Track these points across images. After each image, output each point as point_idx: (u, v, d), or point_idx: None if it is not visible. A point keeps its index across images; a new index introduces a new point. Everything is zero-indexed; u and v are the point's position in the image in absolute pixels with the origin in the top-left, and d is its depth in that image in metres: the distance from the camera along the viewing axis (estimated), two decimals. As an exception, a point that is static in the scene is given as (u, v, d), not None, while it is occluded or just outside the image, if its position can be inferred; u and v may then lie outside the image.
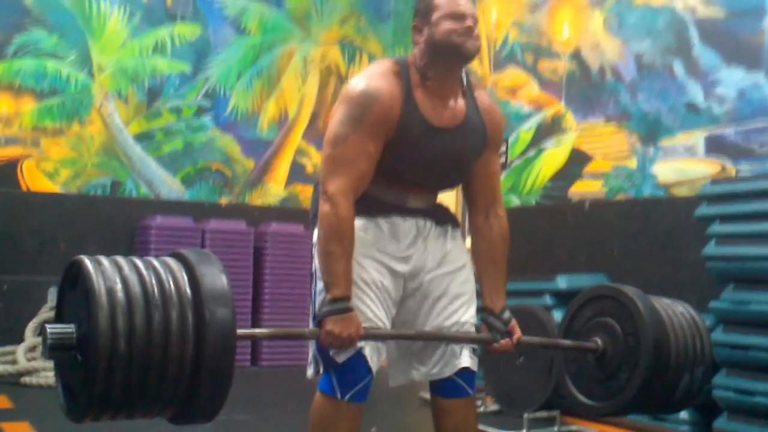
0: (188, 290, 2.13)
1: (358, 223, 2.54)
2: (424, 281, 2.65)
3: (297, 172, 7.22)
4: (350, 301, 2.44)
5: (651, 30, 5.30)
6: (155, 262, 2.18)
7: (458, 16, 2.51)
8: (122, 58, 6.66)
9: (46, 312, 5.78)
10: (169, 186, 6.80)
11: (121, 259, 2.15)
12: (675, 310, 3.03)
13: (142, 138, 6.72)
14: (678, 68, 5.13)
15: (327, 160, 2.50)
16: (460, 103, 2.62)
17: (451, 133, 2.58)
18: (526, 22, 6.23)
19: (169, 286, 2.11)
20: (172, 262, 2.20)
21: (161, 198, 6.73)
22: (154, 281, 2.10)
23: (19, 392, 4.97)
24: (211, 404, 2.16)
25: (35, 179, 6.29)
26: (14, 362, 5.41)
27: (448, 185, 2.73)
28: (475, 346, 2.67)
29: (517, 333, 2.71)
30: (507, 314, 2.70)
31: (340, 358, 2.49)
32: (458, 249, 2.72)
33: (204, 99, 6.97)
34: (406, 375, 2.69)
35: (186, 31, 6.92)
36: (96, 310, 2.00)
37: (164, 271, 2.15)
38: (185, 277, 2.15)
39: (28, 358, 5.45)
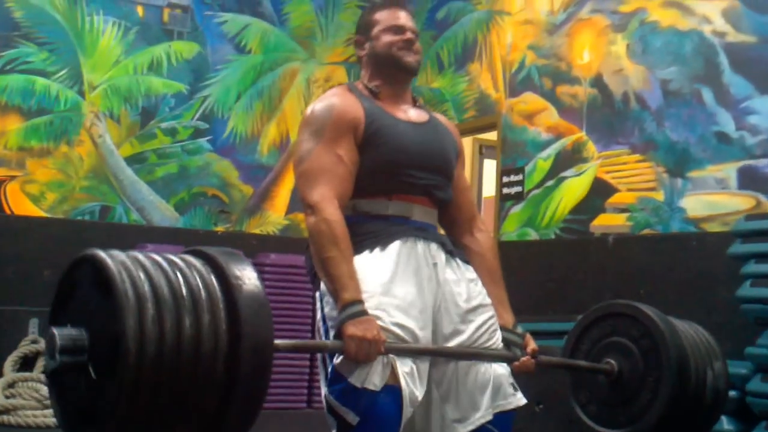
0: (219, 292, 2.00)
1: (366, 259, 2.50)
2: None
3: (298, 200, 6.93)
4: (363, 304, 2.40)
5: (678, 55, 5.24)
6: (178, 260, 2.05)
7: (398, 29, 2.68)
8: (115, 76, 6.57)
9: (27, 345, 5.66)
10: (162, 212, 6.67)
11: (140, 255, 2.01)
12: (679, 322, 3.05)
13: (135, 161, 6.60)
14: (707, 96, 5.06)
15: (300, 177, 2.57)
16: (418, 110, 2.76)
17: (422, 127, 2.70)
18: (543, 45, 6.14)
19: (198, 286, 1.98)
20: (196, 261, 2.07)
21: (153, 225, 6.61)
22: (181, 281, 1.97)
23: (-5, 432, 4.84)
24: (239, 428, 2.04)
25: (19, 202, 6.17)
26: (-8, 399, 5.28)
27: (442, 185, 2.70)
28: (514, 382, 2.61)
29: (532, 345, 2.70)
30: (520, 328, 2.71)
31: (376, 381, 2.37)
32: (478, 285, 2.66)
33: (201, 120, 6.85)
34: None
35: (183, 48, 6.84)
36: (121, 311, 1.86)
37: (190, 271, 2.02)
38: (213, 278, 2.02)
39: (7, 395, 5.28)
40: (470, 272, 2.67)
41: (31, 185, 6.23)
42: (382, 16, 2.72)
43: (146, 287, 1.91)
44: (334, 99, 2.63)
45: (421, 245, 2.56)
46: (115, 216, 6.49)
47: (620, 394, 2.90)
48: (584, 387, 3.03)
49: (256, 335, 1.99)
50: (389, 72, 2.69)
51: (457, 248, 2.70)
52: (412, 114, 2.72)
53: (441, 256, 2.60)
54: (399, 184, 2.60)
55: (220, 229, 6.85)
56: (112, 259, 1.95)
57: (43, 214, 6.21)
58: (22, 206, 6.18)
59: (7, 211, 6.13)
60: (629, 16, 5.55)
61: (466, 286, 2.61)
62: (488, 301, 2.65)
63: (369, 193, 2.58)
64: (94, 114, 6.46)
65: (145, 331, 1.87)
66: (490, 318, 2.63)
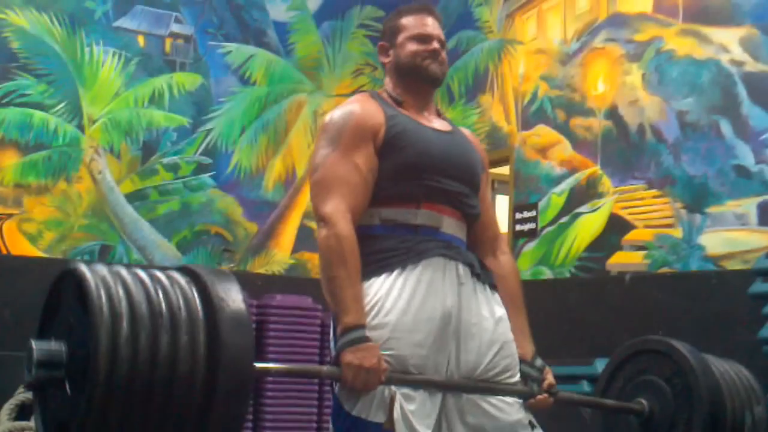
0: (201, 311, 2.04)
1: (385, 283, 2.47)
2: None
3: (305, 238, 7.03)
4: (365, 330, 2.39)
5: (695, 86, 5.27)
6: (162, 277, 2.09)
7: (424, 38, 2.68)
8: (115, 109, 6.56)
9: (25, 392, 5.59)
10: (164, 251, 6.65)
11: (123, 271, 2.06)
12: (720, 362, 3.03)
13: (135, 197, 6.59)
14: (725, 128, 5.08)
15: (314, 187, 2.56)
16: (442, 121, 2.76)
17: (446, 135, 2.70)
18: (557, 76, 6.16)
19: (179, 304, 2.03)
20: (181, 278, 2.11)
21: (155, 265, 6.49)
22: (162, 298, 2.02)
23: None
24: None
25: (16, 242, 6.14)
26: (-13, 449, 5.27)
27: (469, 195, 2.68)
28: (533, 419, 2.61)
29: (550, 379, 2.67)
30: (539, 361, 2.68)
31: (378, 414, 2.37)
32: (504, 321, 2.63)
33: (204, 155, 6.84)
34: None
35: (185, 80, 6.84)
36: (96, 326, 1.91)
37: (172, 288, 2.06)
38: (196, 296, 2.06)
39: (4, 444, 5.31)
40: (498, 304, 2.63)
41: (28, 224, 6.19)
42: (409, 22, 2.72)
43: (123, 304, 1.95)
44: (354, 105, 2.63)
45: (448, 266, 2.54)
46: (116, 256, 6.45)
47: None
48: (616, 429, 3.00)
49: (235, 358, 2.01)
50: (413, 82, 2.70)
51: (485, 271, 2.66)
52: (436, 123, 2.72)
53: (468, 281, 2.57)
54: (426, 191, 2.58)
55: (223, 268, 6.83)
56: (93, 273, 2.00)
57: (40, 254, 6.18)
58: (19, 246, 6.14)
59: (4, 251, 6.09)
60: (644, 45, 5.58)
61: (492, 319, 2.58)
62: (511, 337, 2.62)
63: (396, 200, 2.57)
64: (93, 149, 6.45)
65: (117, 349, 1.91)
66: (511, 359, 2.61)
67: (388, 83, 2.75)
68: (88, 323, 1.94)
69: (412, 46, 2.68)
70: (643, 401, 2.90)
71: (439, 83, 2.74)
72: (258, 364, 2.19)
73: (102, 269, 2.03)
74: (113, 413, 1.92)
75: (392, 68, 2.73)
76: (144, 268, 2.12)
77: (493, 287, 2.65)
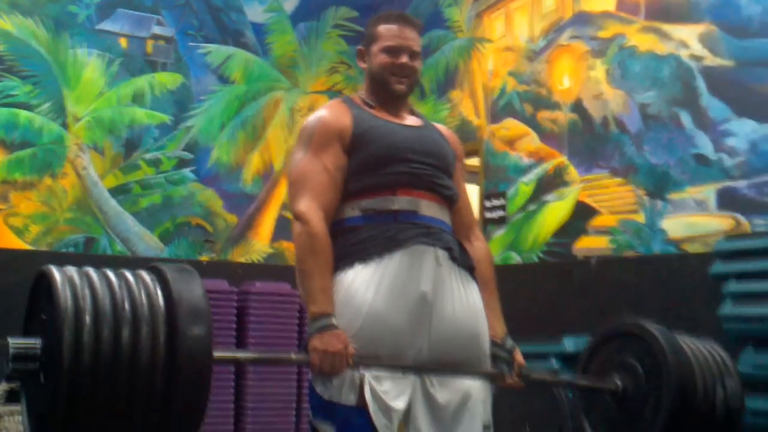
0: (161, 305, 2.10)
1: (356, 274, 2.49)
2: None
3: (283, 228, 7.08)
4: (332, 317, 2.43)
5: (656, 80, 5.29)
6: (128, 275, 2.16)
7: (394, 50, 2.68)
8: (99, 108, 6.58)
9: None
10: (147, 242, 6.67)
11: (91, 271, 2.13)
12: (692, 340, 3.08)
13: (119, 192, 6.61)
14: (685, 119, 5.11)
15: (289, 187, 2.66)
16: (414, 118, 2.80)
17: (415, 128, 2.74)
18: (524, 72, 6.21)
19: (141, 299, 2.09)
20: (147, 275, 2.18)
21: (138, 256, 6.57)
22: (125, 294, 2.08)
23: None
24: None
25: (3, 235, 6.16)
26: (-25, 435, 5.24)
27: (443, 179, 2.70)
28: (489, 420, 2.60)
29: (519, 359, 2.69)
30: (510, 342, 2.69)
31: (349, 396, 2.40)
32: (481, 311, 2.64)
33: (185, 151, 6.88)
34: None
35: (167, 79, 6.87)
36: (60, 322, 1.99)
37: (137, 284, 2.13)
38: (158, 291, 2.13)
39: (-7, 428, 5.27)
40: (475, 292, 2.64)
41: (14, 218, 6.21)
42: (384, 32, 2.72)
43: (87, 300, 2.03)
44: (322, 111, 2.69)
45: (426, 252, 2.55)
46: (100, 248, 6.47)
47: (627, 413, 2.90)
48: (594, 408, 3.02)
49: (193, 347, 2.07)
50: (381, 92, 2.72)
51: (463, 254, 2.66)
52: (408, 120, 2.75)
53: (446, 263, 2.57)
54: (399, 178, 2.61)
55: (204, 258, 6.83)
56: (61, 273, 2.07)
57: (27, 246, 6.20)
58: (6, 239, 6.15)
59: (-9, 244, 6.10)
60: (608, 42, 5.60)
61: (467, 304, 2.58)
62: (485, 330, 2.63)
63: (374, 191, 2.60)
64: (77, 146, 6.47)
65: (80, 341, 1.98)
66: (482, 353, 2.61)
67: (363, 87, 2.80)
68: (54, 319, 2.01)
69: (383, 58, 2.70)
70: (617, 380, 2.93)
71: (403, 98, 2.75)
72: (219, 353, 2.27)
73: (71, 270, 2.11)
74: (80, 400, 1.98)
75: (367, 74, 2.77)
76: (114, 268, 2.19)
77: (471, 270, 2.66)
